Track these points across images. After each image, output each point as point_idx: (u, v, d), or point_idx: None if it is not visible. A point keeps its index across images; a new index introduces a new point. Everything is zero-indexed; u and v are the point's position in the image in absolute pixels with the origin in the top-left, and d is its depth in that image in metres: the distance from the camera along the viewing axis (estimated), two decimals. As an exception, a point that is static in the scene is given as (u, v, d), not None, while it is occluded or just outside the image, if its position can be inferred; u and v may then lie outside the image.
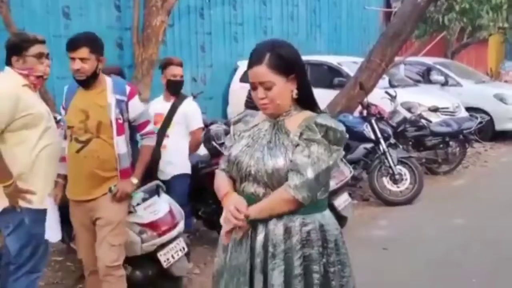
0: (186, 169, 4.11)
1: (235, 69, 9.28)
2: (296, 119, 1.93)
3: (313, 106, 1.97)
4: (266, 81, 1.87)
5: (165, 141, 4.01)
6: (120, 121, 2.89)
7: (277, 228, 1.89)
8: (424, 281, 3.78)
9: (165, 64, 4.07)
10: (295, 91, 1.92)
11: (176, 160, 4.02)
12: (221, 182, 2.07)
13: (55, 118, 3.12)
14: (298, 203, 1.86)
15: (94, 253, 2.96)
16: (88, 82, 2.88)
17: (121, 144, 2.89)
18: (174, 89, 4.05)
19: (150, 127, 3.11)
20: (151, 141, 3.11)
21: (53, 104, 4.90)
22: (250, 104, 4.42)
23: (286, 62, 1.89)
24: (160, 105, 4.04)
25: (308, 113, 1.94)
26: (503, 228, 4.90)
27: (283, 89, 1.89)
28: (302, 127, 1.88)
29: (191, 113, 4.07)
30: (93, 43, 2.85)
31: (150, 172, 3.58)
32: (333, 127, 1.87)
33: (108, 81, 2.95)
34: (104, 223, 2.90)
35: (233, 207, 1.91)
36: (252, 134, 2.00)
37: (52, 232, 2.90)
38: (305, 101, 1.96)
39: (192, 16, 8.80)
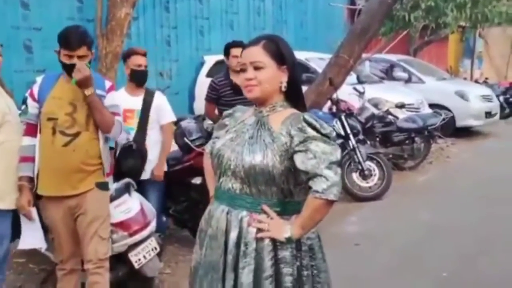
0: (165, 166, 3.96)
1: (202, 64, 9.15)
2: (280, 116, 1.88)
3: (299, 105, 1.93)
4: (258, 60, 1.85)
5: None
6: None
7: (250, 227, 1.85)
8: (396, 276, 3.81)
9: (128, 54, 3.86)
10: (284, 84, 1.88)
11: (155, 158, 3.86)
12: (210, 179, 2.03)
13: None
14: (333, 203, 1.80)
15: (75, 250, 2.91)
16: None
17: (104, 138, 2.87)
18: (138, 80, 3.82)
19: (119, 118, 2.99)
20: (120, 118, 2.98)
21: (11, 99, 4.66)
22: (211, 95, 4.33)
23: (281, 51, 1.87)
24: (126, 99, 3.73)
25: (292, 111, 1.90)
26: (467, 222, 5.02)
27: (273, 74, 1.86)
28: (287, 125, 1.83)
29: (162, 106, 3.89)
30: (90, 40, 2.82)
31: (121, 171, 3.45)
32: (322, 125, 1.82)
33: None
34: (92, 218, 2.83)
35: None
36: (237, 128, 1.95)
37: (39, 240, 2.86)
38: (293, 98, 1.93)
39: (157, 9, 8.62)
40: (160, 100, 3.89)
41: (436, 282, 3.73)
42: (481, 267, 3.95)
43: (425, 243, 4.48)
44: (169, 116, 3.95)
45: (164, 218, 4.18)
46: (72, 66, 2.73)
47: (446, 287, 3.64)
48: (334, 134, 1.86)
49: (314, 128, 1.80)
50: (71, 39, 2.74)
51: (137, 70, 3.79)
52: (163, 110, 3.89)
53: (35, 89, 2.85)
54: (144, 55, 3.88)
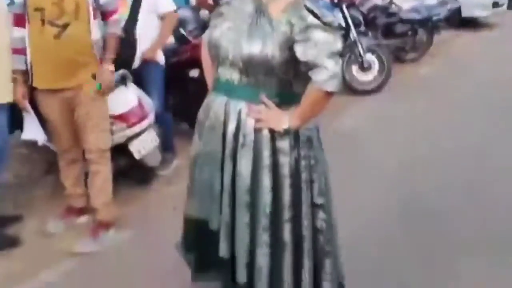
0: (161, 59, 3.82)
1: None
2: (281, 4, 1.79)
3: None
4: None
5: None
6: (93, 5, 2.73)
7: (249, 118, 1.85)
8: (393, 169, 3.85)
9: None
10: None
11: (145, 47, 3.75)
12: (208, 69, 2.01)
13: None
14: (332, 94, 1.78)
15: (74, 141, 2.94)
16: None
17: (96, 29, 2.77)
18: None
19: (116, 16, 2.94)
20: (117, 29, 2.96)
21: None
22: None
23: None
24: None
25: None
26: (467, 117, 4.99)
27: None
28: (287, 13, 1.75)
29: None
30: None
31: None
32: (324, 13, 1.75)
33: None
34: (90, 110, 2.84)
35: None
36: (236, 17, 1.86)
37: (37, 133, 2.86)
38: None
39: None
40: None
41: (433, 177, 3.74)
42: (478, 163, 3.96)
43: (423, 139, 4.46)
44: (167, 4, 3.74)
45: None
46: None
47: (443, 181, 3.67)
48: (335, 22, 1.79)
49: (315, 16, 1.72)
50: None
51: None
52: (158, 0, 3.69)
53: None
54: None
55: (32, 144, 3.21)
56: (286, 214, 1.90)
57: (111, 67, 2.87)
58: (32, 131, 2.92)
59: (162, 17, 3.72)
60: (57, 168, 3.23)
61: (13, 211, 3.27)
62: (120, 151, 3.25)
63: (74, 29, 2.69)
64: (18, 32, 2.75)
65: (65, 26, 2.67)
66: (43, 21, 2.66)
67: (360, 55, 5.76)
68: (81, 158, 3.07)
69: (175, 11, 3.88)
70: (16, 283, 2.67)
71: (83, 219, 3.20)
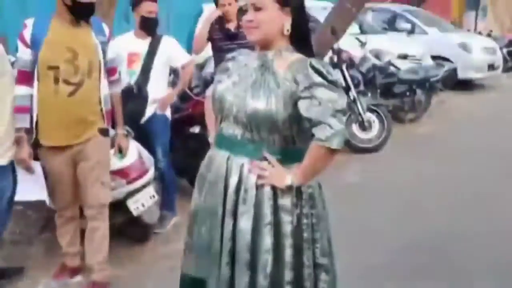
0: (168, 116, 3.83)
1: (200, 13, 8.90)
2: (286, 61, 1.80)
3: (306, 50, 1.84)
4: (258, 1, 1.76)
5: None
6: (103, 63, 2.78)
7: (251, 174, 1.81)
8: (394, 226, 3.82)
9: (138, 0, 3.62)
10: (288, 27, 1.79)
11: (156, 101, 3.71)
12: (211, 124, 2.02)
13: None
14: (336, 151, 1.76)
15: (74, 197, 2.90)
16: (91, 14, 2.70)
17: (105, 86, 2.81)
18: (149, 28, 3.64)
19: (118, 75, 3.02)
20: (119, 88, 3.04)
21: (5, 45, 4.51)
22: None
23: None
24: (133, 43, 3.63)
25: (299, 56, 1.81)
26: (467, 174, 5.03)
27: (274, 16, 1.77)
28: (292, 70, 1.76)
29: (175, 49, 3.74)
30: None
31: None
32: (329, 71, 1.75)
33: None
34: (94, 164, 2.80)
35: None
36: (241, 72, 1.88)
37: (39, 192, 2.87)
38: (299, 43, 1.84)
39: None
40: (169, 44, 3.71)
41: (435, 232, 3.73)
42: (480, 218, 3.96)
43: (423, 196, 4.48)
44: (185, 56, 3.81)
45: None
46: (89, 5, 2.61)
47: (446, 238, 3.65)
48: (340, 81, 1.79)
49: (320, 74, 1.73)
50: None
51: (148, 18, 3.59)
52: (175, 53, 3.74)
53: (26, 34, 2.67)
54: (155, 0, 3.64)
55: (27, 200, 3.17)
56: (287, 275, 1.82)
57: (125, 131, 3.03)
58: (32, 191, 2.86)
59: (182, 68, 3.80)
60: (52, 226, 3.15)
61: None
62: (117, 207, 3.18)
63: (87, 86, 2.70)
64: (25, 90, 2.71)
65: (79, 84, 2.68)
66: (57, 79, 2.64)
67: (360, 114, 5.81)
68: (78, 216, 3.01)
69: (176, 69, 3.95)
70: None
71: (78, 279, 3.09)
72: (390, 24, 10.48)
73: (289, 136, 1.81)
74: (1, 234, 2.91)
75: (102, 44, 2.77)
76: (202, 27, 4.18)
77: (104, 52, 2.79)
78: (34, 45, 2.65)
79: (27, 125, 2.74)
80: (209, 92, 2.05)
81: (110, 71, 2.92)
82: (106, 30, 2.86)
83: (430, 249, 3.47)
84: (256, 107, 1.75)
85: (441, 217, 4.00)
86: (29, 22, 2.71)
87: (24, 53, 2.69)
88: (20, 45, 2.70)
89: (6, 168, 2.72)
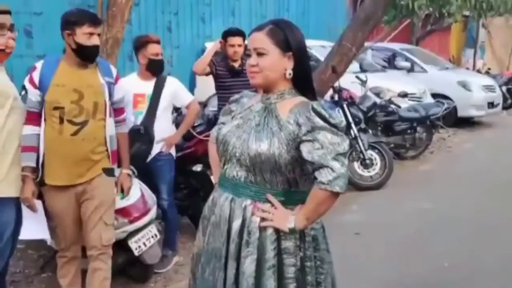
0: (173, 155, 3.85)
1: (203, 51, 9.03)
2: (289, 104, 1.83)
3: (308, 93, 1.87)
4: (260, 47, 1.81)
5: None
6: (109, 103, 2.82)
7: (254, 216, 1.82)
8: (397, 265, 3.79)
9: (144, 43, 3.69)
10: (290, 71, 1.83)
11: (161, 141, 3.72)
12: (215, 165, 2.02)
13: None
14: (338, 195, 1.77)
15: (77, 237, 2.89)
16: (96, 56, 2.80)
17: (111, 126, 2.85)
18: (156, 69, 3.70)
19: (125, 115, 3.06)
20: (125, 129, 3.07)
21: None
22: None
23: (286, 37, 1.82)
24: (139, 84, 3.68)
25: (301, 99, 1.85)
26: (469, 211, 5.02)
27: (276, 61, 1.81)
28: (295, 113, 1.78)
29: (179, 89, 3.81)
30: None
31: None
32: (331, 115, 1.78)
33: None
34: (98, 204, 2.80)
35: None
36: (244, 115, 1.91)
37: (42, 231, 2.84)
38: (302, 86, 1.87)
39: (159, -6, 8.51)
40: (173, 85, 3.77)
41: (438, 271, 3.71)
42: (482, 257, 3.93)
43: (426, 233, 4.47)
44: (189, 96, 3.88)
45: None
46: (94, 48, 2.69)
47: (448, 277, 3.62)
48: (343, 124, 1.82)
49: (322, 117, 1.75)
50: (93, 15, 2.73)
51: (155, 60, 3.67)
52: (180, 93, 3.80)
53: (35, 75, 2.74)
54: (159, 42, 3.73)
55: (28, 239, 3.14)
56: (292, 320, 1.80)
57: (130, 171, 3.02)
58: (34, 230, 2.85)
59: (187, 107, 3.88)
60: (53, 265, 3.12)
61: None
62: (118, 246, 3.16)
63: (91, 126, 2.74)
64: (32, 130, 2.74)
65: (83, 124, 2.72)
66: (61, 119, 2.70)
67: (361, 151, 5.84)
68: (80, 256, 2.99)
69: (179, 108, 4.00)
70: None
71: (78, 319, 3.04)
72: (390, 63, 10.64)
73: (292, 179, 1.83)
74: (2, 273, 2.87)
75: (109, 84, 2.83)
76: (208, 50, 4.42)
77: (110, 92, 2.84)
78: (42, 87, 2.72)
79: (33, 164, 2.75)
80: (213, 133, 2.07)
81: (118, 111, 2.96)
82: (114, 71, 2.93)
83: (433, 286, 3.43)
84: (259, 150, 1.77)
85: (443, 253, 3.97)
86: (39, 64, 2.79)
87: (33, 94, 2.75)
88: (29, 86, 2.77)
89: (9, 203, 2.70)
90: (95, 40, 2.71)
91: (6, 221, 2.64)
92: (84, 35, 2.68)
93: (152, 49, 3.66)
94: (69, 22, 2.70)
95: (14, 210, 2.74)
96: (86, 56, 2.75)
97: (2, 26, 2.57)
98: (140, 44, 3.70)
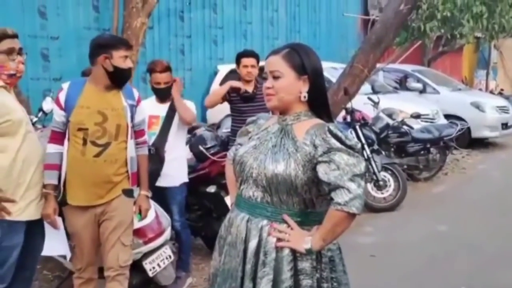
0: (185, 177, 3.87)
1: (215, 73, 9.16)
2: (305, 126, 1.85)
3: (324, 115, 1.90)
4: (276, 70, 1.85)
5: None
6: (130, 125, 2.86)
7: (270, 236, 1.82)
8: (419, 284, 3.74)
9: (149, 70, 3.78)
10: (305, 94, 1.86)
11: (176, 168, 3.75)
12: (231, 186, 2.04)
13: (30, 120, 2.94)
14: (355, 216, 1.77)
15: (95, 258, 2.89)
16: (129, 78, 2.87)
17: (132, 148, 2.88)
18: (160, 97, 3.78)
19: (145, 137, 3.10)
20: (146, 151, 3.10)
21: (27, 106, 4.68)
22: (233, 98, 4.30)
23: (301, 61, 1.85)
24: (154, 106, 3.75)
25: (317, 121, 1.87)
26: (484, 233, 4.96)
27: (292, 84, 1.84)
28: (311, 135, 1.80)
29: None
30: None
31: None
32: (347, 136, 1.79)
33: None
34: (116, 225, 2.82)
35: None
36: (261, 136, 1.94)
37: (64, 248, 2.88)
38: (318, 108, 1.90)
39: (172, 18, 8.67)
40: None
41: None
42: (501, 280, 3.87)
43: (441, 256, 4.41)
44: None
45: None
46: (128, 70, 2.82)
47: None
48: (359, 146, 1.82)
49: (338, 139, 1.77)
50: (126, 40, 2.96)
51: (157, 88, 3.74)
52: None
53: (62, 97, 2.80)
54: (165, 70, 3.73)
55: (43, 259, 3.14)
56: None
57: (149, 194, 3.04)
58: (56, 246, 2.87)
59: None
60: (67, 286, 3.12)
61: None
62: (132, 267, 3.16)
63: (113, 148, 2.78)
64: (55, 148, 2.80)
65: (106, 145, 2.76)
66: (84, 140, 2.74)
67: (374, 173, 5.81)
68: (97, 277, 2.99)
69: (193, 129, 4.02)
70: None
71: None
72: (401, 84, 10.64)
73: (309, 199, 1.83)
74: None
75: (131, 107, 2.87)
76: (221, 87, 4.36)
77: (132, 115, 2.88)
78: (68, 108, 2.78)
79: (55, 182, 2.79)
80: (229, 154, 2.10)
81: (138, 133, 3.00)
82: (136, 94, 2.97)
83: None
84: (275, 171, 1.79)
85: (459, 276, 3.91)
86: (65, 85, 2.84)
87: (58, 115, 2.82)
88: (55, 107, 2.84)
89: (18, 227, 2.68)
90: (129, 63, 2.79)
91: (12, 245, 2.63)
92: (121, 58, 2.74)
93: (154, 78, 3.74)
94: (106, 46, 2.76)
95: (22, 235, 2.71)
96: (120, 78, 2.80)
97: (12, 51, 2.59)
98: (148, 70, 3.82)
